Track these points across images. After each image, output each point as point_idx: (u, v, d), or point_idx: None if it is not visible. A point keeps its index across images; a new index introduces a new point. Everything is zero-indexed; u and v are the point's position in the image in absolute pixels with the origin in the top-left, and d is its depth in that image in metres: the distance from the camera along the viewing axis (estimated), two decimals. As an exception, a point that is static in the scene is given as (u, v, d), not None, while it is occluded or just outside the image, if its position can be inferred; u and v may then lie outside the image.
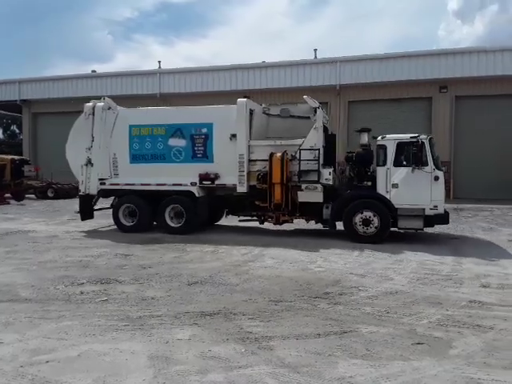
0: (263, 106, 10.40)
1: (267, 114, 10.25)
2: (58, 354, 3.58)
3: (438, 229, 9.69)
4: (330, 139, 9.96)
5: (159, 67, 25.86)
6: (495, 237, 9.51)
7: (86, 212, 10.84)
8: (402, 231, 9.30)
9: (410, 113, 20.79)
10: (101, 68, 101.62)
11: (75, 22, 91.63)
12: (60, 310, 4.66)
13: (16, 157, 21.89)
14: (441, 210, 8.47)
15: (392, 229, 8.86)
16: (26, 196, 20.01)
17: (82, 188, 10.60)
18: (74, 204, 16.21)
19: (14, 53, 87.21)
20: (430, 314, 4.56)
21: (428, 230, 9.23)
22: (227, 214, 10.71)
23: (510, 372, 3.25)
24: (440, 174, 8.48)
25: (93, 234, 10.07)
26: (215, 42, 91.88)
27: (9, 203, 17.97)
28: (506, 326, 4.20)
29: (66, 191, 20.36)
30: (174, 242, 8.79)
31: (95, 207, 11.07)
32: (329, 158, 9.59)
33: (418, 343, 3.80)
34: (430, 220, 8.55)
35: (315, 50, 23.54)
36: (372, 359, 3.50)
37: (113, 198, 10.93)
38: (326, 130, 9.85)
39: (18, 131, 42.89)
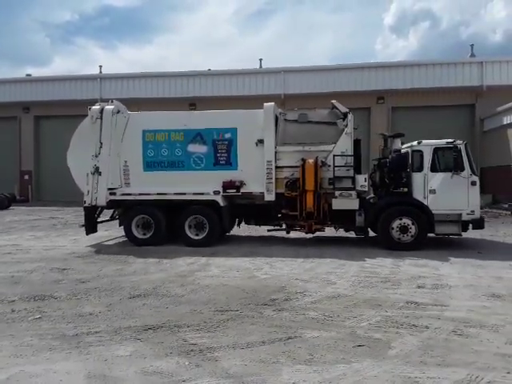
0: (281, 111, 9.97)
1: (285, 120, 9.80)
2: (-19, 381, 3.28)
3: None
4: (356, 145, 9.49)
5: (100, 72, 25.01)
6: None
7: (91, 225, 9.87)
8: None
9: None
10: (37, 72, 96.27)
11: (8, 22, 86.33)
12: (-14, 332, 4.28)
13: None
14: (477, 215, 8.52)
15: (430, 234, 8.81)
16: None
17: (87, 199, 9.60)
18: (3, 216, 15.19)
19: None
20: (370, 315, 4.72)
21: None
22: (247, 224, 10.16)
23: (444, 369, 3.43)
24: (476, 179, 8.57)
25: (26, 248, 9.41)
26: (160, 48, 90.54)
27: None
28: (440, 324, 4.46)
29: None
30: (115, 254, 8.45)
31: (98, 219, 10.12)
32: (357, 164, 9.40)
33: (359, 345, 3.91)
34: (466, 225, 8.62)
35: (260, 59, 23.99)
36: (315, 364, 3.55)
37: (112, 210, 10.24)
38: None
39: None
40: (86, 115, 9.86)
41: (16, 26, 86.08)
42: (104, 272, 6.98)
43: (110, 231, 11.36)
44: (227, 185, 9.17)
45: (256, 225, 10.00)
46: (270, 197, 9.10)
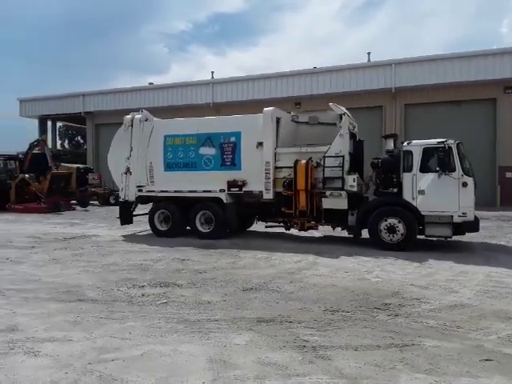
0: (292, 113, 10.55)
1: (296, 122, 10.36)
2: (122, 353, 3.75)
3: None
4: (358, 146, 9.96)
5: (212, 77, 26.59)
6: None
7: (126, 217, 11.47)
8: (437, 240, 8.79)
9: (471, 116, 19.73)
10: (157, 80, 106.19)
11: (133, 36, 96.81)
12: (123, 311, 4.89)
13: (81, 165, 23.40)
14: (470, 217, 8.14)
15: (420, 236, 8.63)
16: (90, 202, 21.24)
17: (121, 195, 11.28)
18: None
19: (78, 66, 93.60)
20: (500, 329, 4.26)
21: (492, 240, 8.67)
22: (257, 220, 11.02)
23: None
24: (469, 180, 8.15)
25: (150, 239, 10.46)
26: (266, 49, 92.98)
27: (74, 209, 19.19)
28: None
29: None
30: (228, 248, 8.93)
31: (134, 213, 11.63)
32: (357, 164, 9.61)
33: (487, 360, 3.57)
34: (460, 227, 8.29)
35: (368, 53, 23.18)
36: (436, 374, 3.33)
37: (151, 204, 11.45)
38: (354, 136, 9.85)
39: (82, 141, 45.89)
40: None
41: (138, 38, 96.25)
42: (219, 264, 7.44)
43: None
44: (231, 184, 10.00)
45: (262, 221, 10.67)
46: (268, 195, 9.69)
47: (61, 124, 40.76)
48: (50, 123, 32.45)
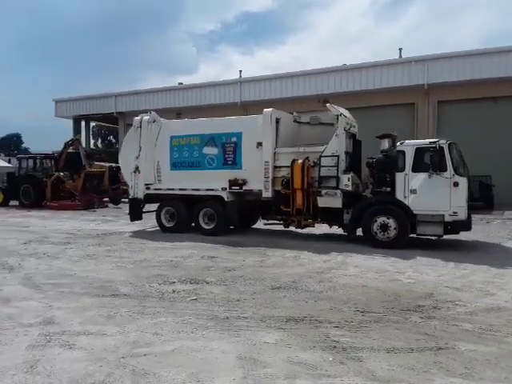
0: (294, 114, 10.78)
1: (298, 122, 10.61)
2: (154, 348, 3.82)
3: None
4: (356, 145, 10.12)
5: (240, 76, 26.67)
6: None
7: (135, 214, 11.91)
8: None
9: (510, 112, 18.91)
10: (186, 79, 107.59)
11: (163, 36, 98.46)
12: (155, 307, 4.98)
13: (113, 164, 23.97)
14: (461, 217, 8.20)
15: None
16: (122, 200, 21.76)
17: (131, 192, 11.76)
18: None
19: (109, 67, 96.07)
20: (541, 335, 4.07)
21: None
22: (263, 218, 11.13)
23: None
24: (461, 179, 8.22)
25: (179, 236, 10.60)
26: (294, 48, 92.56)
27: (107, 206, 19.73)
28: None
29: None
30: (256, 246, 8.95)
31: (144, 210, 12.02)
32: (355, 164, 9.78)
33: (528, 367, 3.42)
34: (452, 226, 8.38)
35: (400, 49, 22.57)
36: (472, 379, 3.23)
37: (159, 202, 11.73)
38: (353, 136, 10.10)
39: (114, 141, 47.13)
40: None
41: (168, 39, 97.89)
42: (247, 262, 7.47)
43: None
44: (232, 182, 10.30)
45: (263, 218, 10.88)
46: (266, 194, 9.94)
47: (94, 124, 41.93)
48: (83, 123, 33.40)
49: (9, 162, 32.38)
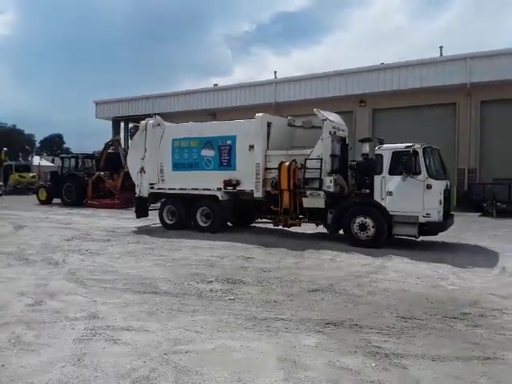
0: (289, 118, 11.22)
1: (292, 126, 11.02)
2: (195, 346, 3.87)
3: None
4: (344, 148, 10.54)
5: (275, 77, 26.64)
6: None
7: (141, 211, 12.60)
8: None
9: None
10: (221, 81, 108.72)
11: (199, 39, 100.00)
12: (194, 305, 5.06)
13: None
14: (434, 218, 8.47)
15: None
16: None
17: (137, 191, 12.45)
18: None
19: (148, 69, 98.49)
20: None
21: None
22: (259, 218, 11.78)
23: None
24: (434, 182, 8.51)
25: (213, 236, 10.67)
26: (329, 47, 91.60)
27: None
28: None
29: None
30: (291, 248, 8.90)
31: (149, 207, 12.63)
32: (343, 166, 10.18)
33: None
34: (427, 228, 8.65)
35: (441, 47, 21.81)
36: (526, 394, 3.07)
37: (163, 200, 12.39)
38: (343, 139, 10.55)
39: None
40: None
41: (205, 41, 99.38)
42: (283, 263, 7.45)
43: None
44: (227, 183, 10.88)
45: (257, 217, 11.62)
46: (257, 194, 10.46)
47: (132, 125, 43.14)
48: (122, 124, 34.42)
49: (52, 161, 33.86)
